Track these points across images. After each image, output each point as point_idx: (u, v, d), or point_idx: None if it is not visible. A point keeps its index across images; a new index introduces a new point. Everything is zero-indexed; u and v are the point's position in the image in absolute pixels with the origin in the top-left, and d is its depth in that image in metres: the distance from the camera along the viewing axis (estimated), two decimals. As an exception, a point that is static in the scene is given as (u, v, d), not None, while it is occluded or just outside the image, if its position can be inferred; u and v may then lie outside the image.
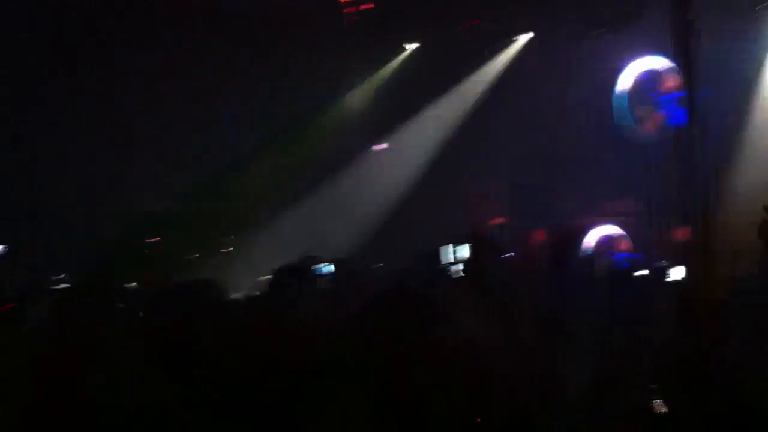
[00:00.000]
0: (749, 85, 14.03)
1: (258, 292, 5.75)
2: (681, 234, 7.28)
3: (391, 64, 16.31)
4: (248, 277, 10.61)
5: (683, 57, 3.26)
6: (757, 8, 12.18)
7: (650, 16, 12.50)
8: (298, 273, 4.17)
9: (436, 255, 2.62)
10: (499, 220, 16.86)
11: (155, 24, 13.28)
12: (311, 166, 15.52)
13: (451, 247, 2.57)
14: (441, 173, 16.18)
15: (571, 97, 15.82)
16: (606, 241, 11.80)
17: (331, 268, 4.03)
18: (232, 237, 14.97)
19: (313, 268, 4.39)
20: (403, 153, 16.79)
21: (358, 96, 16.40)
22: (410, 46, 16.05)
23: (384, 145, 16.89)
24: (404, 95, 16.21)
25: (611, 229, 15.99)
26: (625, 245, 12.53)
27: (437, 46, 15.54)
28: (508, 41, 15.40)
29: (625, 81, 16.62)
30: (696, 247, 3.57)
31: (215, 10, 13.57)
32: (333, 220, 15.81)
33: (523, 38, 15.28)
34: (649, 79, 15.52)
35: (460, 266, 2.67)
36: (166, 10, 13.27)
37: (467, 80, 16.30)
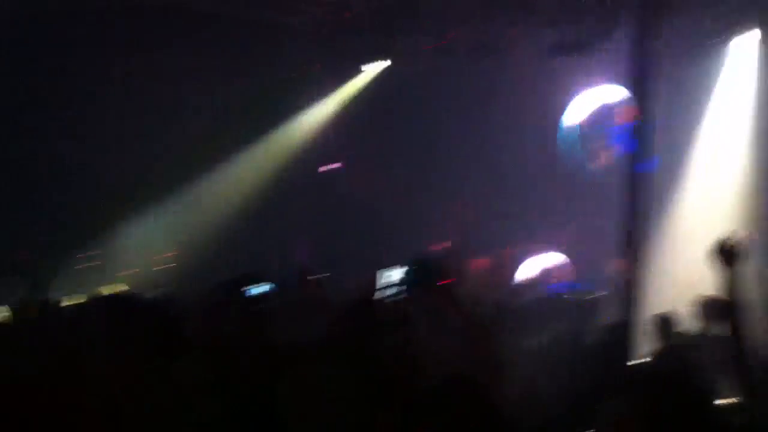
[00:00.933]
0: (699, 118, 14.28)
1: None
2: (619, 264, 7.31)
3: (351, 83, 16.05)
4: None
5: (639, 86, 3.26)
6: (713, 40, 12.44)
7: (613, 43, 12.68)
8: (234, 291, 3.98)
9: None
10: (445, 245, 16.91)
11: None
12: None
13: (393, 270, 2.52)
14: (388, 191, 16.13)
15: (523, 121, 16.07)
16: (544, 270, 11.84)
17: (266, 288, 3.85)
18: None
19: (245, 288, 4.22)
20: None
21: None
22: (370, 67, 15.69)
23: (336, 165, 16.79)
24: (366, 115, 16.11)
25: (553, 258, 16.18)
26: (564, 274, 12.56)
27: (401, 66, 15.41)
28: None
29: (575, 114, 16.90)
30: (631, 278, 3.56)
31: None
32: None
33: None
34: (603, 113, 15.76)
35: (394, 290, 2.65)
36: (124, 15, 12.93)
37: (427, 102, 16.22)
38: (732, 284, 3.53)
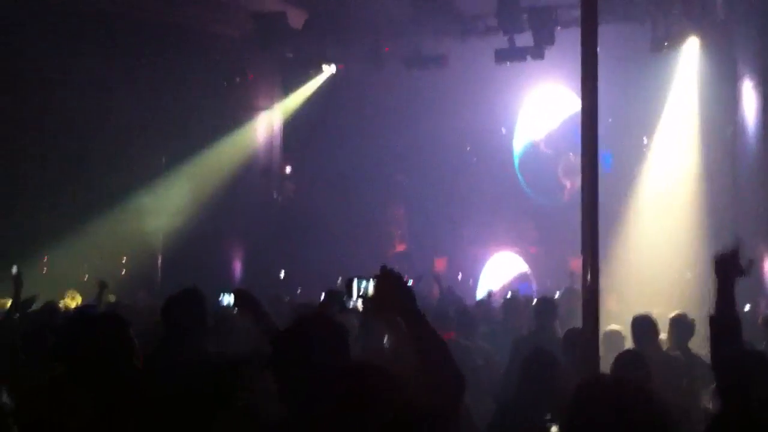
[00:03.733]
0: (645, 121, 14.57)
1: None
2: (576, 265, 7.34)
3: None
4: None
5: (588, 93, 3.32)
6: (665, 45, 12.71)
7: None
8: (191, 302, 3.92)
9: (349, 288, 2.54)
10: (401, 247, 17.02)
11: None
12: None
13: (355, 281, 2.49)
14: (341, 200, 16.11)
15: (475, 125, 16.24)
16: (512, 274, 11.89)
17: (229, 298, 3.82)
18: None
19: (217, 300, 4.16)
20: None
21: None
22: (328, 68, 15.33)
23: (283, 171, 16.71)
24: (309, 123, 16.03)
25: (512, 259, 16.40)
26: (523, 275, 12.68)
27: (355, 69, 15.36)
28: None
29: (531, 129, 17.05)
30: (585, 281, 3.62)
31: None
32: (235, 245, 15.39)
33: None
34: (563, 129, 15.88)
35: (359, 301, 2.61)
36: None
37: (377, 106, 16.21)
38: (725, 300, 3.40)
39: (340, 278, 10.28)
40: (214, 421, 2.68)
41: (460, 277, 15.66)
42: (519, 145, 16.96)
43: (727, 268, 3.44)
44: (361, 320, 5.09)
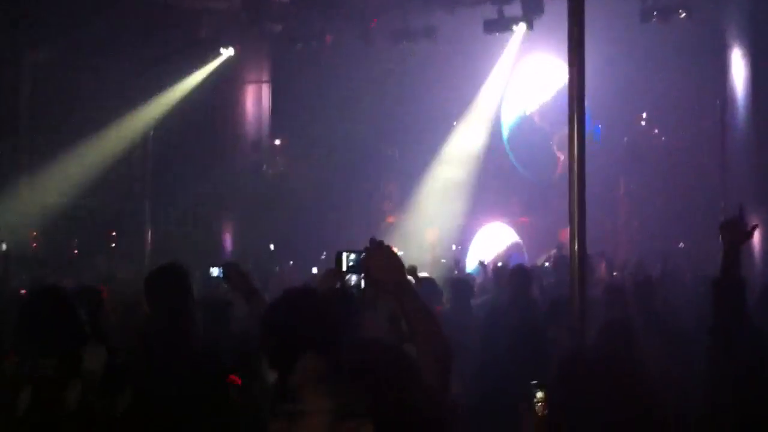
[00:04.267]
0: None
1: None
2: (564, 235, 7.37)
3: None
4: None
5: (576, 64, 3.31)
6: (655, 15, 12.64)
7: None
8: (172, 277, 3.89)
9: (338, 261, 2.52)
10: (391, 219, 17.04)
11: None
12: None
13: (344, 254, 2.47)
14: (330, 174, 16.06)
15: (465, 98, 16.21)
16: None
17: (218, 271, 3.79)
18: (113, 233, 14.27)
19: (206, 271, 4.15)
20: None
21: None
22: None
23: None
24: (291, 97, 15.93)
25: (503, 230, 16.44)
26: (515, 245, 12.68)
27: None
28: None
29: (522, 101, 16.97)
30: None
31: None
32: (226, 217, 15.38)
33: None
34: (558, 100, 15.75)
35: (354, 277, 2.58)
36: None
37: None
38: (732, 263, 3.46)
39: (324, 253, 10.32)
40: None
41: (454, 248, 15.71)
42: (509, 118, 16.90)
43: (734, 233, 3.51)
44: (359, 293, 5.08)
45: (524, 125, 16.67)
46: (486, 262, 11.61)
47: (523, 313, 5.39)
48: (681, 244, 12.59)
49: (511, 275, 6.94)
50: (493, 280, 8.47)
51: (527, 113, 16.68)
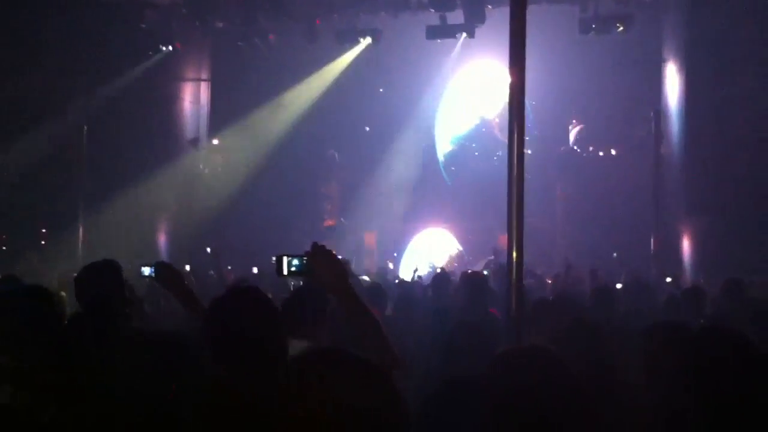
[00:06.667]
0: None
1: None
2: (502, 240, 7.34)
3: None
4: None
5: (515, 62, 3.34)
6: (593, 28, 12.88)
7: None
8: (104, 273, 3.80)
9: (279, 265, 2.48)
10: (330, 222, 16.98)
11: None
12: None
13: (285, 259, 2.43)
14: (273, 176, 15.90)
15: (405, 102, 16.26)
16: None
17: (150, 270, 3.71)
18: (44, 231, 13.89)
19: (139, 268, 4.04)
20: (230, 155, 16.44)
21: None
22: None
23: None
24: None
25: (441, 235, 16.51)
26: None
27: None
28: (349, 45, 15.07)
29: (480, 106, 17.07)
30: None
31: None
32: (162, 217, 15.08)
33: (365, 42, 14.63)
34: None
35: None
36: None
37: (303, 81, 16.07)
38: None
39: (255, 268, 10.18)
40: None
41: (396, 255, 15.76)
42: (444, 128, 17.04)
43: None
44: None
45: (475, 135, 16.78)
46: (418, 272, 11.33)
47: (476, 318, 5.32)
48: (614, 254, 12.83)
49: (464, 282, 6.83)
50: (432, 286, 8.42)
51: (488, 119, 16.72)
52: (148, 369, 2.49)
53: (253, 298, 2.71)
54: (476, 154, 16.31)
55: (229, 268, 12.85)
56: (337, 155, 16.97)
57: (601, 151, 14.87)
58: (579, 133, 15.16)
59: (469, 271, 8.81)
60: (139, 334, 3.03)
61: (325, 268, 2.63)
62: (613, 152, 14.67)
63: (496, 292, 6.77)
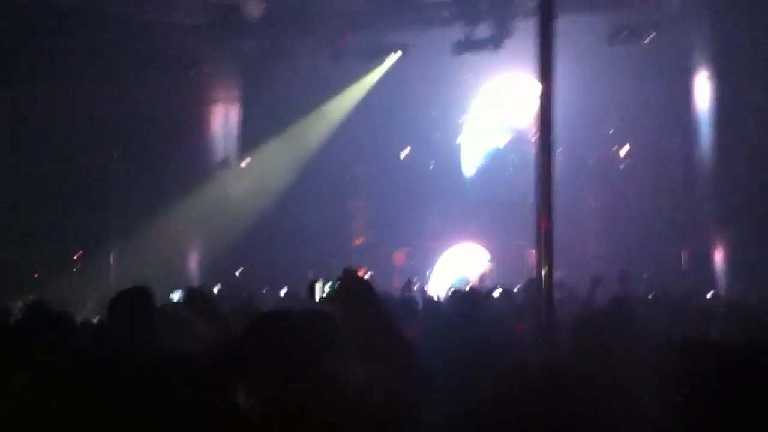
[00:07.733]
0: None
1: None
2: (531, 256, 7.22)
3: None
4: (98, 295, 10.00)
5: (544, 77, 3.32)
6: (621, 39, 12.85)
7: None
8: (136, 300, 3.81)
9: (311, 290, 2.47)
10: (360, 240, 16.94)
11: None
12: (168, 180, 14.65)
13: (321, 283, 2.42)
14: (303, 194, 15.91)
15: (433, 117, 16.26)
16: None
17: (180, 295, 3.71)
18: (81, 252, 14.06)
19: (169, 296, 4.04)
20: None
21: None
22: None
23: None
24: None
25: (473, 250, 16.36)
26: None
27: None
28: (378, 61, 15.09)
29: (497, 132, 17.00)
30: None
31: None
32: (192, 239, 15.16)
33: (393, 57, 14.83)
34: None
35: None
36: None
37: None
38: None
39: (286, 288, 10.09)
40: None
41: (429, 273, 15.66)
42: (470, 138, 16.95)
43: None
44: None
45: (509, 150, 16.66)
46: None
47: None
48: (645, 275, 12.35)
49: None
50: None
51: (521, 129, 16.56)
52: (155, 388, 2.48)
53: (288, 322, 2.70)
54: (511, 169, 16.12)
55: (264, 291, 12.80)
56: (365, 171, 16.94)
57: (631, 161, 14.72)
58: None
59: (467, 288, 8.66)
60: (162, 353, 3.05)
61: (356, 294, 2.62)
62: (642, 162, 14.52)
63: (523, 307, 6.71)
